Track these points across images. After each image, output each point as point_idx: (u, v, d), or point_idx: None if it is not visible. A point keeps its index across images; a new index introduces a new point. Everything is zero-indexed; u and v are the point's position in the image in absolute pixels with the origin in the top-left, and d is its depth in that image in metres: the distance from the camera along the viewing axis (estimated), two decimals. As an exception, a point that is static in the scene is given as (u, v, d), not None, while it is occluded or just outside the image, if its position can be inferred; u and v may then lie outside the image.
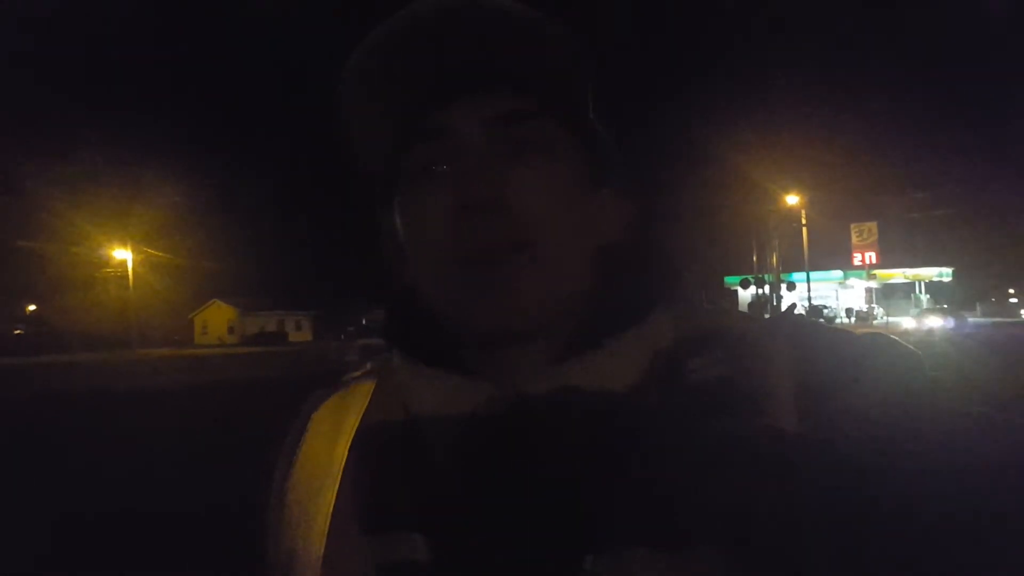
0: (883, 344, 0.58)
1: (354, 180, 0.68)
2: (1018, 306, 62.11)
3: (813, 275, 45.82)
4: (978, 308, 61.99)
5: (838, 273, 53.98)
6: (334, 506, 0.62)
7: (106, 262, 57.29)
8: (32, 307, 68.15)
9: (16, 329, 60.43)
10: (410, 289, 0.64)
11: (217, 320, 66.33)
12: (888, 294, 49.56)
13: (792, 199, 43.75)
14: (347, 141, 0.64)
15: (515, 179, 0.57)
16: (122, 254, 55.99)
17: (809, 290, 43.73)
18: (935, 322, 34.65)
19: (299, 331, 65.72)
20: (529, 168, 0.57)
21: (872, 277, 51.31)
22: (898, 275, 53.85)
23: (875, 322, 44.67)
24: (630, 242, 0.64)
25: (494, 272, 0.56)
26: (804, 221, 43.80)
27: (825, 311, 46.51)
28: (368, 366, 0.72)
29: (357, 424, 0.66)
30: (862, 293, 53.33)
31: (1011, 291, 72.01)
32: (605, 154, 0.64)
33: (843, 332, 0.59)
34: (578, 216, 0.59)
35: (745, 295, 40.94)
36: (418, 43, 0.57)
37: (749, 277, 40.84)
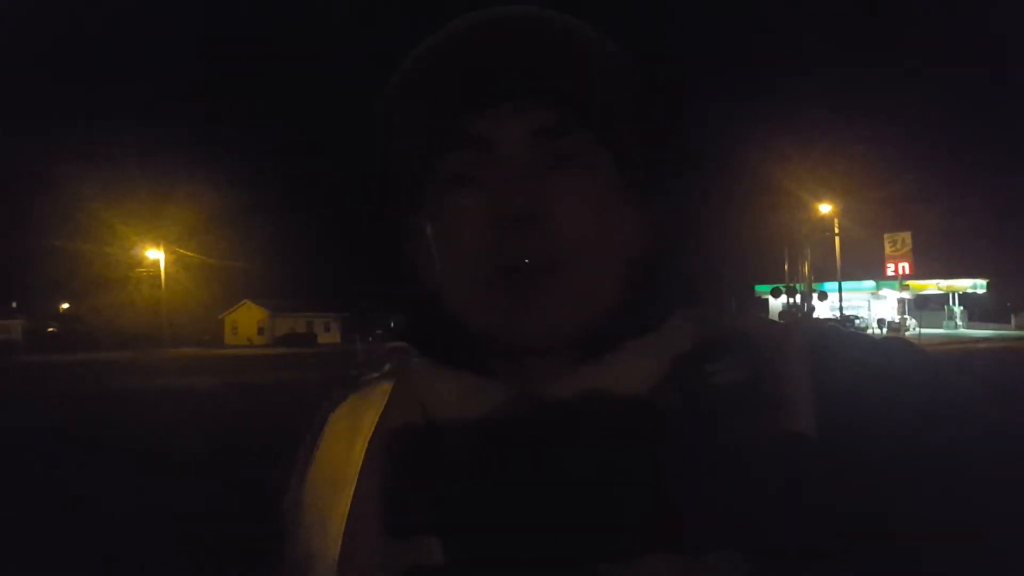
0: (900, 348, 0.58)
1: (383, 183, 0.68)
2: (1053, 319, 60.96)
3: (845, 285, 45.31)
4: (1012, 320, 60.97)
5: (871, 283, 53.39)
6: (351, 508, 0.62)
7: (139, 262, 58.11)
8: (65, 305, 69.28)
9: (49, 327, 61.43)
10: (433, 292, 0.63)
11: (247, 321, 66.88)
12: (921, 305, 49.01)
13: (825, 208, 43.37)
14: (383, 142, 0.64)
15: (554, 193, 0.56)
16: (155, 254, 56.71)
17: (841, 300, 43.23)
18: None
19: (328, 333, 66.08)
20: (568, 182, 0.57)
21: (905, 288, 50.72)
22: (932, 286, 53.14)
23: (907, 334, 44.06)
24: (652, 248, 0.64)
25: (529, 286, 0.56)
26: (837, 230, 43.34)
27: (856, 321, 45.98)
28: (386, 367, 0.71)
29: (375, 425, 0.65)
30: (894, 304, 52.71)
31: (1046, 304, 70.75)
32: (637, 168, 0.63)
33: (860, 336, 0.60)
34: (611, 231, 0.59)
35: (776, 304, 40.55)
36: (463, 51, 0.58)
37: (780, 286, 40.49)
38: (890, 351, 0.57)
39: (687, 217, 0.67)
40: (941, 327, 52.45)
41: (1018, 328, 57.13)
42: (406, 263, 0.68)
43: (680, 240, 0.66)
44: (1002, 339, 43.04)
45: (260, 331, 65.14)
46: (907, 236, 49.24)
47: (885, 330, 44.68)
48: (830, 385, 0.54)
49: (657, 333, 0.60)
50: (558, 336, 0.57)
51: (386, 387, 0.68)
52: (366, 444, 0.64)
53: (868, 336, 0.59)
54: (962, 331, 51.90)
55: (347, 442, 0.65)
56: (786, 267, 41.83)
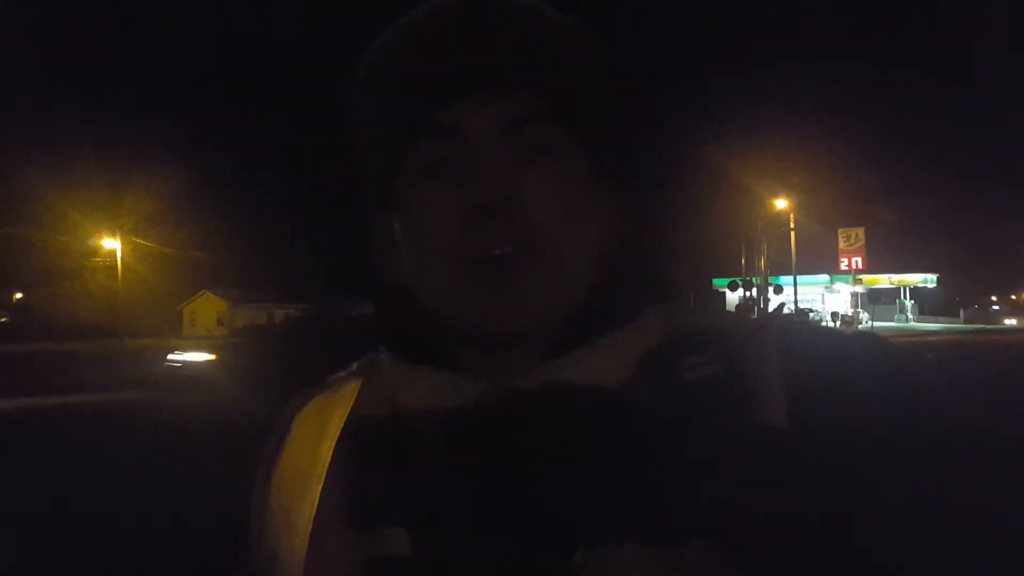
0: (871, 342, 0.58)
1: (351, 176, 0.67)
2: (1000, 314, 62.86)
3: (800, 279, 46.24)
4: (961, 314, 62.72)
5: (825, 277, 54.52)
6: (318, 507, 0.61)
7: (95, 251, 57.06)
8: (19, 295, 67.78)
9: (1, 317, 60.06)
10: (401, 287, 0.63)
11: (206, 312, 66.08)
12: (873, 299, 50.17)
13: (781, 203, 44.16)
14: (352, 135, 0.63)
15: (526, 181, 0.56)
16: (111, 243, 55.74)
17: (796, 293, 44.15)
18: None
19: (289, 324, 65.55)
20: (540, 171, 0.56)
21: (858, 282, 51.87)
22: (884, 280, 54.44)
23: (859, 327, 45.13)
24: (622, 243, 0.63)
25: (502, 275, 0.55)
26: (792, 225, 44.20)
27: (811, 314, 46.97)
28: (354, 366, 0.70)
29: (343, 424, 0.64)
30: (848, 297, 53.90)
31: (993, 298, 72.89)
32: (608, 159, 0.63)
33: (831, 330, 0.60)
34: (583, 221, 0.59)
35: (733, 297, 41.30)
36: (432, 39, 0.56)
37: (737, 280, 41.20)
38: (861, 346, 0.58)
39: (657, 212, 0.69)
40: (893, 320, 53.80)
41: (966, 322, 58.82)
42: (374, 261, 0.67)
43: (651, 235, 0.66)
44: (950, 332, 44.41)
45: (220, 322, 64.26)
46: (860, 231, 50.33)
47: (839, 323, 45.72)
48: (802, 380, 0.54)
49: (629, 328, 0.59)
50: (531, 326, 0.56)
51: (354, 386, 0.67)
52: (333, 443, 0.63)
53: (838, 331, 0.60)
54: (913, 324, 53.29)
55: (314, 442, 0.64)
56: (743, 261, 42.58)
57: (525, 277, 0.55)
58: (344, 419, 0.64)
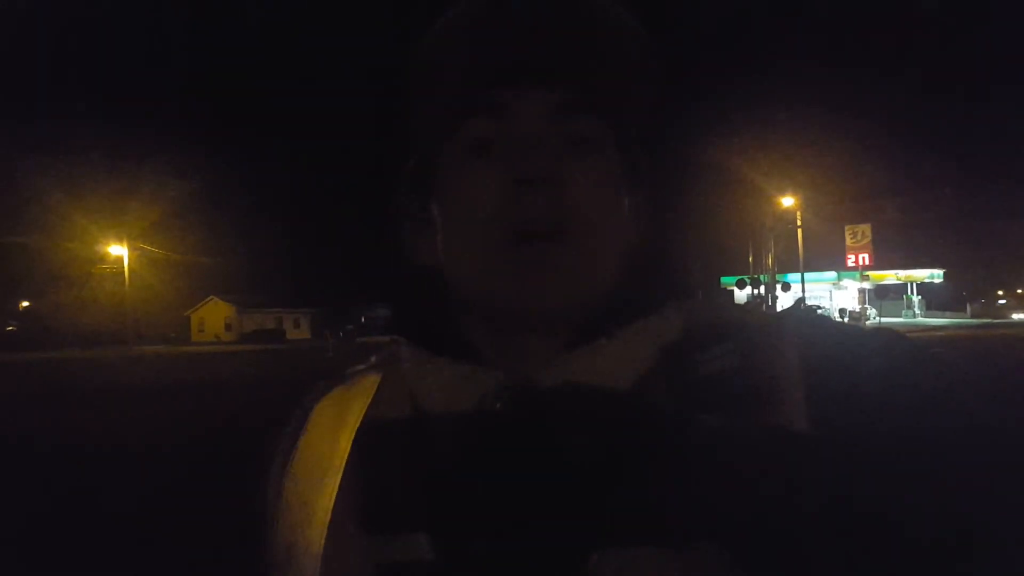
0: (891, 339, 0.57)
1: (396, 151, 0.67)
2: (1007, 308, 62.81)
3: (808, 276, 46.25)
4: (968, 309, 62.75)
5: (832, 274, 54.54)
6: (335, 500, 0.61)
7: (102, 258, 57.16)
8: (26, 303, 67.97)
9: (9, 325, 60.22)
10: (425, 274, 0.63)
11: (214, 317, 66.25)
12: (881, 295, 50.15)
13: (788, 201, 44.18)
14: (405, 110, 0.65)
15: (569, 167, 0.57)
16: (118, 250, 55.88)
17: (804, 291, 44.16)
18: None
19: (297, 329, 65.83)
20: (580, 161, 0.58)
21: (865, 278, 51.87)
22: (891, 276, 54.46)
23: (867, 323, 45.17)
24: (647, 241, 0.64)
25: (538, 251, 0.56)
26: (799, 223, 44.22)
27: (819, 311, 46.87)
28: (373, 359, 0.70)
29: (361, 417, 0.64)
30: (855, 294, 53.90)
31: (1000, 293, 72.88)
32: (640, 157, 0.64)
33: (849, 327, 0.60)
34: (614, 215, 0.60)
35: (741, 295, 41.31)
36: (494, 25, 0.58)
37: (745, 277, 41.24)
38: (878, 341, 0.57)
39: (680, 211, 0.70)
40: (900, 316, 53.79)
41: (973, 316, 58.84)
42: (402, 244, 0.67)
43: (674, 234, 0.67)
44: (958, 327, 44.38)
45: (228, 328, 64.52)
46: (867, 228, 50.35)
47: (847, 319, 45.69)
48: (819, 376, 0.53)
49: (648, 321, 0.60)
50: (559, 305, 0.57)
51: (374, 378, 0.67)
52: (352, 435, 0.63)
53: (858, 327, 0.60)
54: (920, 320, 53.31)
55: (332, 433, 0.64)
56: (750, 259, 42.60)
57: (558, 257, 0.56)
58: (363, 411, 0.64)
